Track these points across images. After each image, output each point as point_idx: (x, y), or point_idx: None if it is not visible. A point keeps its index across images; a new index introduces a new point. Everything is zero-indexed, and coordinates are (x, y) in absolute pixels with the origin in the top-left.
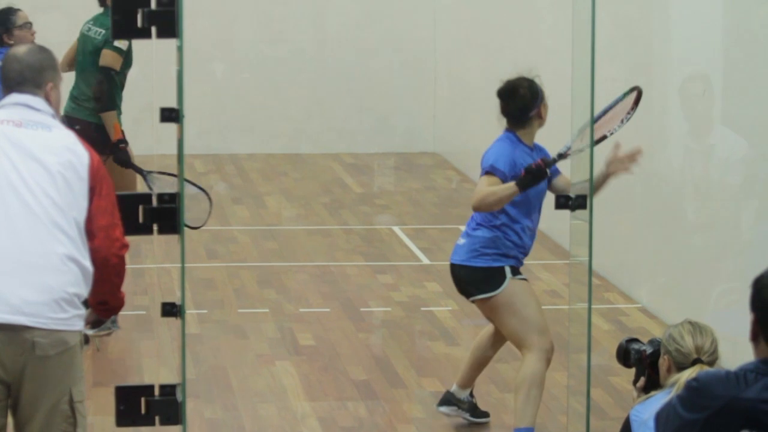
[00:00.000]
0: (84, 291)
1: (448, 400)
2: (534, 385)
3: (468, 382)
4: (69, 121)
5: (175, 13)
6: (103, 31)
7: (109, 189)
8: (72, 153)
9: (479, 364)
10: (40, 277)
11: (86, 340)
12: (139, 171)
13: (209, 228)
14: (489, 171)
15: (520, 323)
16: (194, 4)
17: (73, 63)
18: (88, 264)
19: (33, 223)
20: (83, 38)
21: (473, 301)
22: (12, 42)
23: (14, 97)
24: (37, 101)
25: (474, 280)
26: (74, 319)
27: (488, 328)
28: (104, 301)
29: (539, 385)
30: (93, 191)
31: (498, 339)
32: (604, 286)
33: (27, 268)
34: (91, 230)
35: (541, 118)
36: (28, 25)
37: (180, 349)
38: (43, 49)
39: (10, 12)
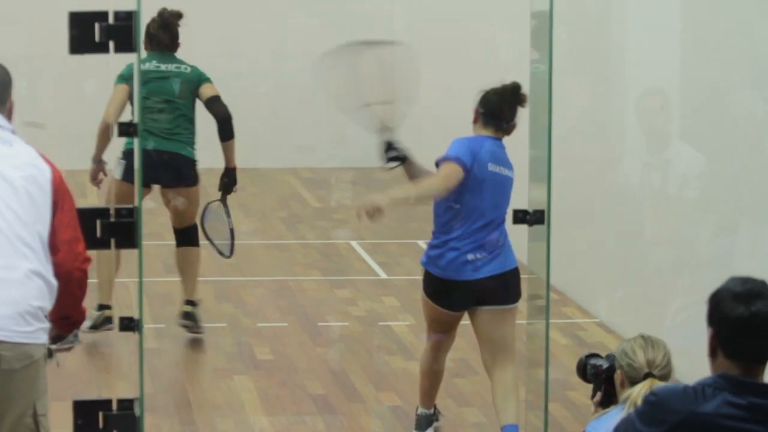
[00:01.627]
0: (48, 304)
1: (429, 422)
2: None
3: (432, 401)
4: (171, 157)
5: (133, 28)
6: (190, 67)
7: (71, 204)
8: (35, 168)
9: (438, 381)
10: (4, 290)
11: (50, 353)
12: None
13: (167, 242)
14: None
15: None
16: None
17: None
18: (51, 279)
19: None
20: (170, 78)
21: (508, 309)
22: None
23: None
24: None
25: (507, 284)
26: (39, 332)
27: (432, 353)
28: (66, 316)
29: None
30: (56, 205)
31: (443, 352)
32: (562, 300)
33: None
34: (54, 244)
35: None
36: None
37: (138, 364)
38: (2, 66)
39: None
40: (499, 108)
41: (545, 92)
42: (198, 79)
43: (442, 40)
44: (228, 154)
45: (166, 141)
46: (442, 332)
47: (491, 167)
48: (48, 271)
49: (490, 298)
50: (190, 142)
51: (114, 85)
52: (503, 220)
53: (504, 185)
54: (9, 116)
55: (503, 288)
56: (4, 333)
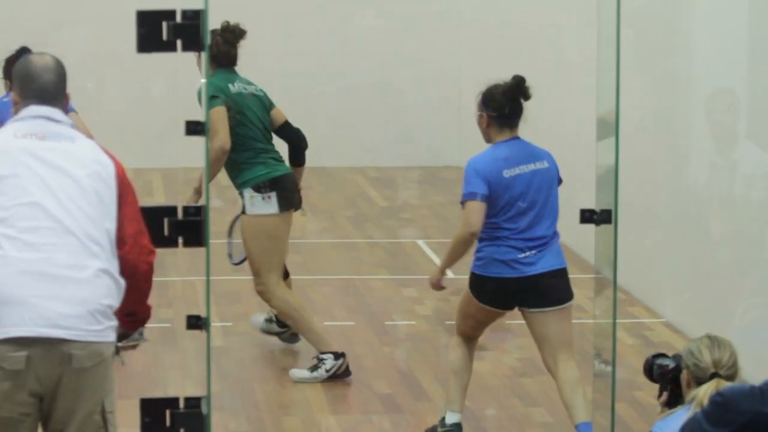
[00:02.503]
0: (116, 302)
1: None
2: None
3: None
4: (293, 179)
5: (201, 27)
6: (260, 88)
7: (134, 197)
8: (98, 163)
9: (467, 385)
10: (75, 290)
11: (116, 351)
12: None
13: (235, 241)
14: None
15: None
16: (219, 18)
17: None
18: (119, 276)
19: (66, 238)
20: (256, 99)
21: (559, 309)
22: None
23: (33, 110)
24: (57, 113)
25: (560, 283)
26: (108, 331)
27: (465, 351)
28: (132, 312)
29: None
30: (120, 199)
31: (471, 357)
32: (629, 300)
33: (62, 282)
34: (119, 238)
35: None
36: None
37: (205, 362)
38: (59, 60)
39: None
40: (511, 108)
41: (612, 93)
42: (269, 102)
43: (509, 40)
44: (299, 177)
45: (286, 165)
46: (479, 329)
47: (507, 173)
48: (116, 269)
49: (542, 299)
50: None
51: (210, 108)
52: (549, 216)
53: (533, 180)
54: (65, 110)
55: (552, 287)
56: (76, 332)
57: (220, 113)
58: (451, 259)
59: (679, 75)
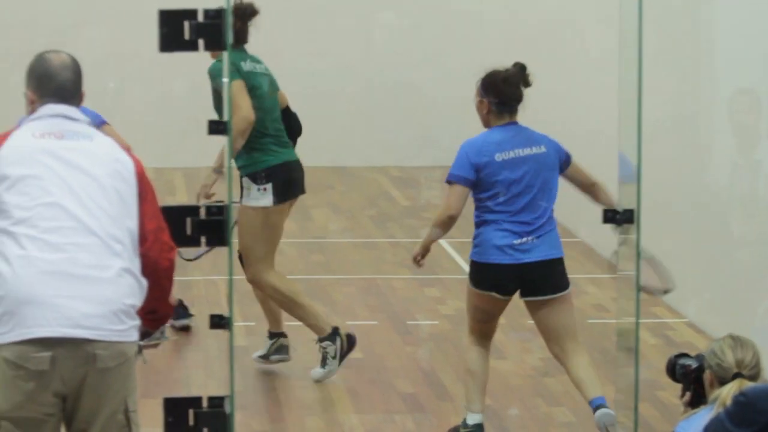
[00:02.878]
0: (139, 302)
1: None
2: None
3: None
4: (296, 166)
5: (222, 26)
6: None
7: (153, 193)
8: (118, 161)
9: (485, 384)
10: (98, 290)
11: (138, 350)
12: None
13: None
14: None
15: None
16: None
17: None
18: (141, 276)
19: (88, 237)
20: (266, 78)
21: (555, 298)
22: None
23: (51, 108)
24: (74, 111)
25: (558, 272)
26: (131, 330)
27: (481, 350)
28: (154, 310)
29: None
30: (140, 197)
31: (487, 356)
32: (651, 300)
33: (85, 282)
34: (140, 234)
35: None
36: None
37: (228, 361)
38: (74, 58)
39: None
40: (513, 94)
41: (634, 93)
42: (276, 84)
43: (530, 39)
44: None
45: (292, 150)
46: (489, 322)
47: (499, 156)
48: (138, 268)
49: (538, 287)
50: None
51: (232, 82)
52: (546, 201)
53: (528, 165)
54: (80, 104)
55: (548, 276)
56: (99, 332)
57: (239, 87)
58: (430, 240)
59: (701, 74)
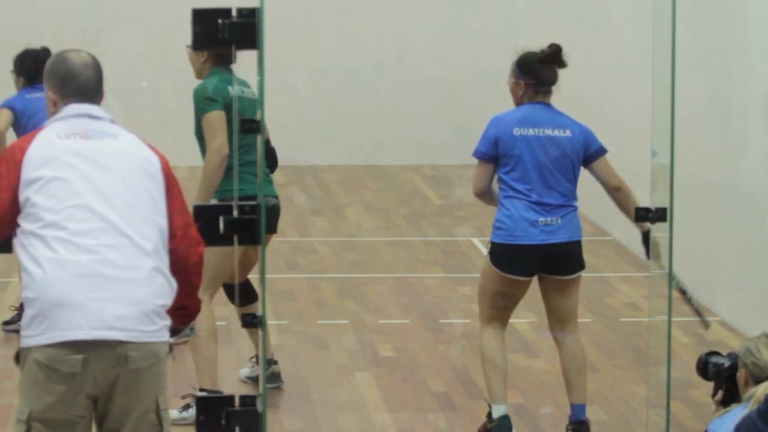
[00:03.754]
0: (169, 301)
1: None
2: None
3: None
4: (274, 202)
5: (256, 25)
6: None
7: (179, 189)
8: (144, 159)
9: (505, 374)
10: (129, 291)
11: (169, 348)
12: None
13: (290, 239)
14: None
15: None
16: (274, 16)
17: None
18: (170, 275)
19: (119, 238)
20: (252, 104)
21: (572, 279)
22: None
23: (74, 108)
24: (97, 110)
25: (580, 254)
26: (163, 330)
27: (499, 339)
28: (183, 306)
29: None
30: (168, 193)
31: (503, 345)
32: (684, 298)
33: (116, 283)
34: (169, 231)
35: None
36: None
37: (261, 360)
38: (95, 57)
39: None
40: (548, 75)
41: (668, 91)
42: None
43: (566, 39)
44: None
45: (272, 184)
46: (507, 308)
47: (517, 131)
48: (167, 267)
49: (560, 267)
50: None
51: (208, 112)
52: (565, 186)
53: (548, 145)
54: (101, 102)
55: (568, 256)
56: (132, 334)
57: (219, 118)
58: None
59: (735, 73)
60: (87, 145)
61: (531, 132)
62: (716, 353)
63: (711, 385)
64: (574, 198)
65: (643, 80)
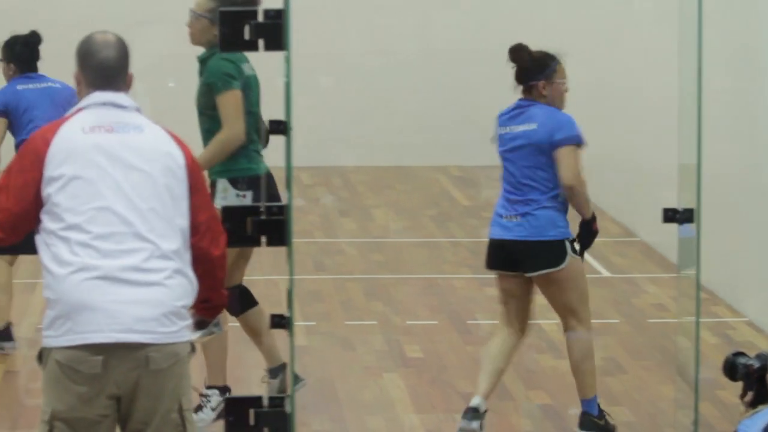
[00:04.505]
0: (190, 301)
1: (479, 415)
2: (592, 357)
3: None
4: (273, 180)
5: (283, 26)
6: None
7: (203, 182)
8: (168, 155)
9: (500, 374)
10: (149, 293)
11: (192, 348)
12: None
13: (317, 240)
14: (580, 143)
15: (579, 296)
16: (301, 17)
17: None
18: (192, 273)
19: (140, 242)
20: (257, 82)
21: (542, 275)
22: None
23: (98, 96)
24: (122, 98)
25: (542, 253)
26: (183, 331)
27: (500, 335)
28: (206, 299)
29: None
30: (191, 189)
31: (513, 349)
32: (712, 299)
33: (137, 286)
34: (191, 226)
35: (542, 95)
36: None
37: (289, 361)
38: (121, 38)
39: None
40: (518, 73)
41: (694, 91)
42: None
43: (591, 39)
44: None
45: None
46: (506, 303)
47: (500, 130)
48: (189, 266)
49: (521, 264)
50: None
51: (227, 90)
52: (529, 184)
53: (516, 141)
54: (129, 88)
55: (524, 254)
56: (152, 336)
57: (237, 98)
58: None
59: (761, 72)
60: (111, 139)
61: (506, 130)
62: (743, 354)
63: (739, 385)
64: (551, 190)
65: (669, 80)
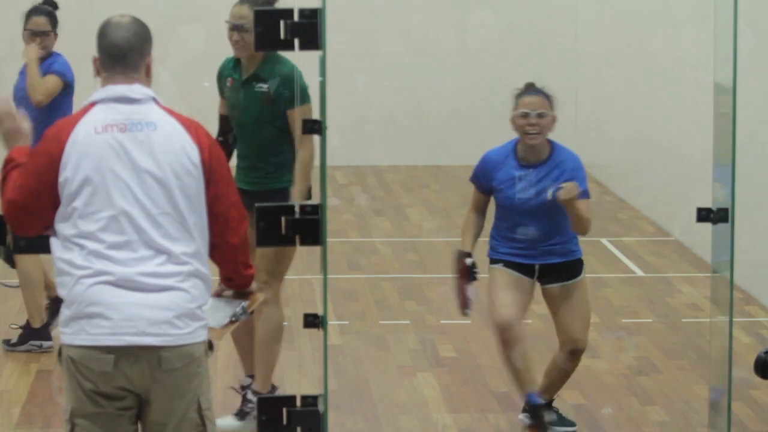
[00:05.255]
0: (205, 300)
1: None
2: None
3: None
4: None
5: (318, 25)
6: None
7: (222, 172)
8: (183, 155)
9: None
10: (161, 297)
11: (210, 346)
12: None
13: (351, 240)
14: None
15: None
16: (336, 16)
17: None
18: (207, 271)
19: (153, 249)
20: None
21: None
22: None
23: (112, 90)
24: (135, 90)
25: None
26: (198, 331)
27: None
28: (229, 278)
29: None
30: (208, 182)
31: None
32: (745, 299)
33: (149, 291)
34: (209, 218)
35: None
36: (36, 32)
37: (322, 360)
38: (139, 21)
39: (28, 13)
40: None
41: (729, 90)
42: None
43: (627, 38)
44: None
45: None
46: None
47: None
48: (205, 264)
49: None
50: None
51: (307, 104)
52: None
53: None
54: (148, 75)
55: None
56: (164, 338)
57: (312, 112)
58: None
59: None
60: (125, 139)
61: None
62: None
63: None
64: None
65: (704, 79)
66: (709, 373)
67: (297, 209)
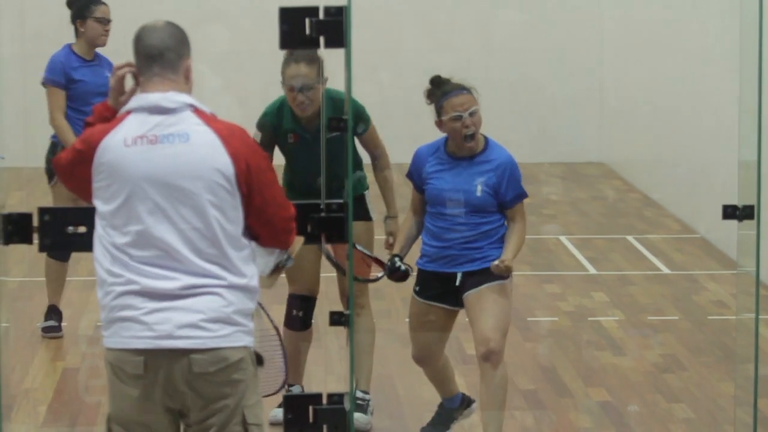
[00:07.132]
0: (243, 306)
1: None
2: None
3: None
4: None
5: (344, 23)
6: None
7: (262, 178)
8: (215, 170)
9: None
10: (190, 302)
11: (259, 360)
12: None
13: (378, 237)
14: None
15: None
16: (361, 14)
17: None
18: (240, 281)
19: (181, 263)
20: None
21: None
22: (83, 30)
23: (147, 99)
24: (170, 98)
25: None
26: (234, 335)
27: None
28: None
29: None
30: (246, 195)
31: None
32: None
33: (178, 300)
34: (251, 229)
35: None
36: (105, 20)
37: (348, 358)
38: (174, 24)
39: (91, 2)
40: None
41: (755, 88)
42: None
43: (652, 35)
44: None
45: None
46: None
47: None
48: (238, 275)
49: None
50: None
51: (370, 125)
52: None
53: None
54: (187, 79)
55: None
56: (194, 341)
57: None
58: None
59: None
60: (154, 153)
61: None
62: None
63: None
64: None
65: (730, 77)
66: (735, 371)
67: (323, 207)
